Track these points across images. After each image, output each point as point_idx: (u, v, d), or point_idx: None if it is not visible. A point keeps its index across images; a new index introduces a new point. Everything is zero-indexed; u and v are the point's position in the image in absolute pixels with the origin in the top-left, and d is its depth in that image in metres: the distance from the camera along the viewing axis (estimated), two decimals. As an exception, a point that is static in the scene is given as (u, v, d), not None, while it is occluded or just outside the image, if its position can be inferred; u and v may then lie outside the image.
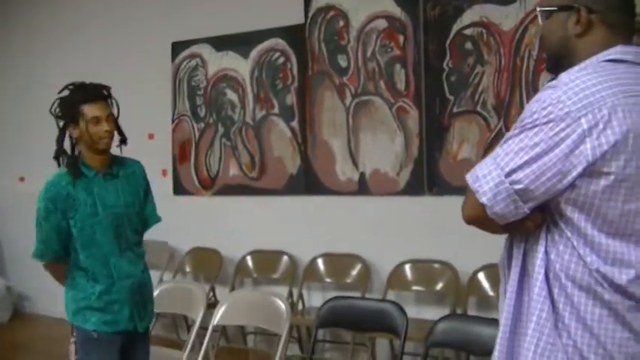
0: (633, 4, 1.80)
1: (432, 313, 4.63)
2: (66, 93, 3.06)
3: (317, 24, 5.36)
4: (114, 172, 3.11)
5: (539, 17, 1.83)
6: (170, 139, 6.23)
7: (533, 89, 4.48)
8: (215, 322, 3.84)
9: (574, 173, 1.59)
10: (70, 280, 3.11)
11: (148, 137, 6.36)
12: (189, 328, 5.40)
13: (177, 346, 4.49)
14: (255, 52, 5.72)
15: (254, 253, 5.64)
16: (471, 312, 4.63)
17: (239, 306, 3.94)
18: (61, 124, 3.06)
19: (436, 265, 4.78)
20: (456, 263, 4.70)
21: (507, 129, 4.56)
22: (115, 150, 3.16)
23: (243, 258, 5.65)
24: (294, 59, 5.51)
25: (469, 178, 1.73)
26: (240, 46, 5.79)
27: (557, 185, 1.61)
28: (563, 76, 1.67)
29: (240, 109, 5.79)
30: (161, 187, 6.25)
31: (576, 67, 1.70)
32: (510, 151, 1.65)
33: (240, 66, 5.80)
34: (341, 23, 5.25)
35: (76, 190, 3.00)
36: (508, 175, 1.64)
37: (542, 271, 1.69)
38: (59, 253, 3.09)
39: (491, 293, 4.55)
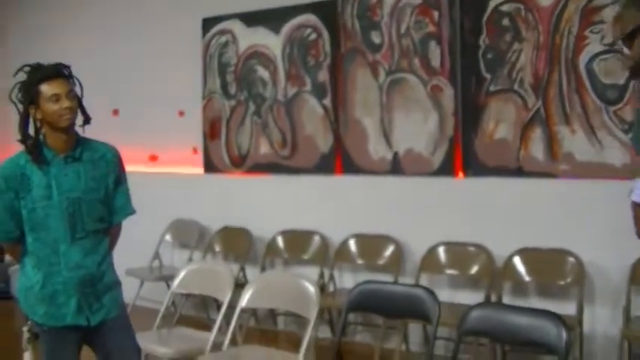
0: None
1: (466, 297, 4.56)
2: (23, 76, 2.92)
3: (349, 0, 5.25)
4: (76, 155, 2.94)
5: (624, 48, 2.12)
6: (201, 116, 6.17)
7: (573, 67, 4.33)
8: (243, 305, 3.79)
9: None
10: (21, 266, 2.99)
11: (178, 114, 6.33)
12: (219, 309, 5.35)
13: (206, 327, 4.44)
14: (286, 28, 5.61)
15: (285, 233, 5.57)
16: (506, 298, 4.51)
17: (267, 289, 3.87)
18: (22, 108, 2.90)
19: (471, 248, 4.67)
20: (491, 247, 4.58)
21: (545, 109, 4.44)
22: (79, 130, 2.99)
23: (274, 238, 5.59)
24: (326, 35, 5.39)
25: (636, 198, 1.92)
26: (272, 22, 5.68)
27: None
28: None
29: (271, 86, 5.70)
30: (192, 164, 6.23)
31: None
32: None
33: (272, 42, 5.69)
34: (374, -2, 5.13)
35: (32, 170, 2.88)
36: None
37: None
38: (14, 234, 2.95)
39: (527, 278, 4.43)
